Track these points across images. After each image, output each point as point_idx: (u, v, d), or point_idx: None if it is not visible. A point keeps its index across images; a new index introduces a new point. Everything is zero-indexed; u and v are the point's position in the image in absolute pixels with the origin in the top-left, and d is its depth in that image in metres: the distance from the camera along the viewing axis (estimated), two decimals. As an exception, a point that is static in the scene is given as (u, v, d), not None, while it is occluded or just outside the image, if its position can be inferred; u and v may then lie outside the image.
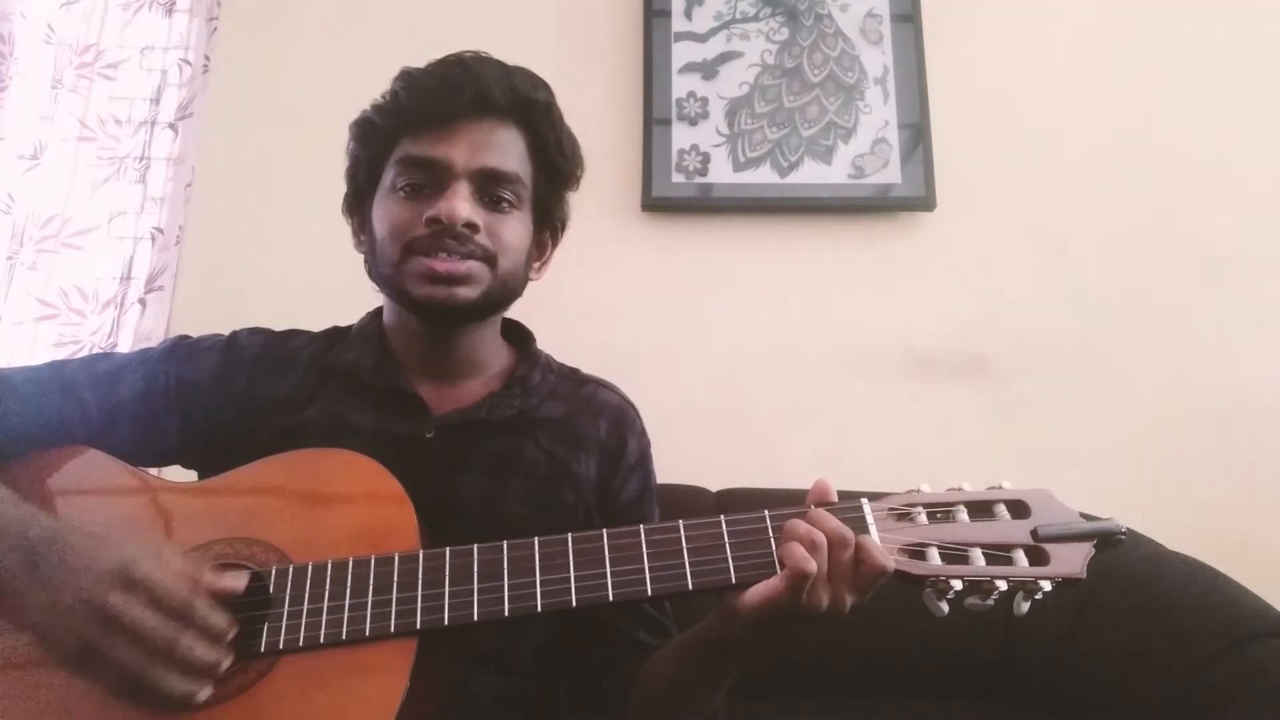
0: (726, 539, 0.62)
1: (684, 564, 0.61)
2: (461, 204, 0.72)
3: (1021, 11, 1.61)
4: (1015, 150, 1.55)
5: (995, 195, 1.54)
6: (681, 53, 1.59)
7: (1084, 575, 0.59)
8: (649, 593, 0.60)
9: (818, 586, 0.57)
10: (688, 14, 1.61)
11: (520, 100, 0.77)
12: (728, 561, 0.61)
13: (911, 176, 1.52)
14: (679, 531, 0.62)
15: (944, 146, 1.53)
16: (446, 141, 0.75)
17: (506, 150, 0.77)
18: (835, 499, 0.63)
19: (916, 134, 1.53)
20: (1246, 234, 1.51)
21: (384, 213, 0.77)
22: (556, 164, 0.81)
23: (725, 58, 1.59)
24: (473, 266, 0.73)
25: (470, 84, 0.75)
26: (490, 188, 0.76)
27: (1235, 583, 1.02)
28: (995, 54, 1.60)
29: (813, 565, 0.57)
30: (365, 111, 0.81)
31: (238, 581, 0.60)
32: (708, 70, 1.59)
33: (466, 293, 0.73)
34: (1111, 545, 0.61)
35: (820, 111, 1.56)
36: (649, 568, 0.61)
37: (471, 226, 0.73)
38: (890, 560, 0.58)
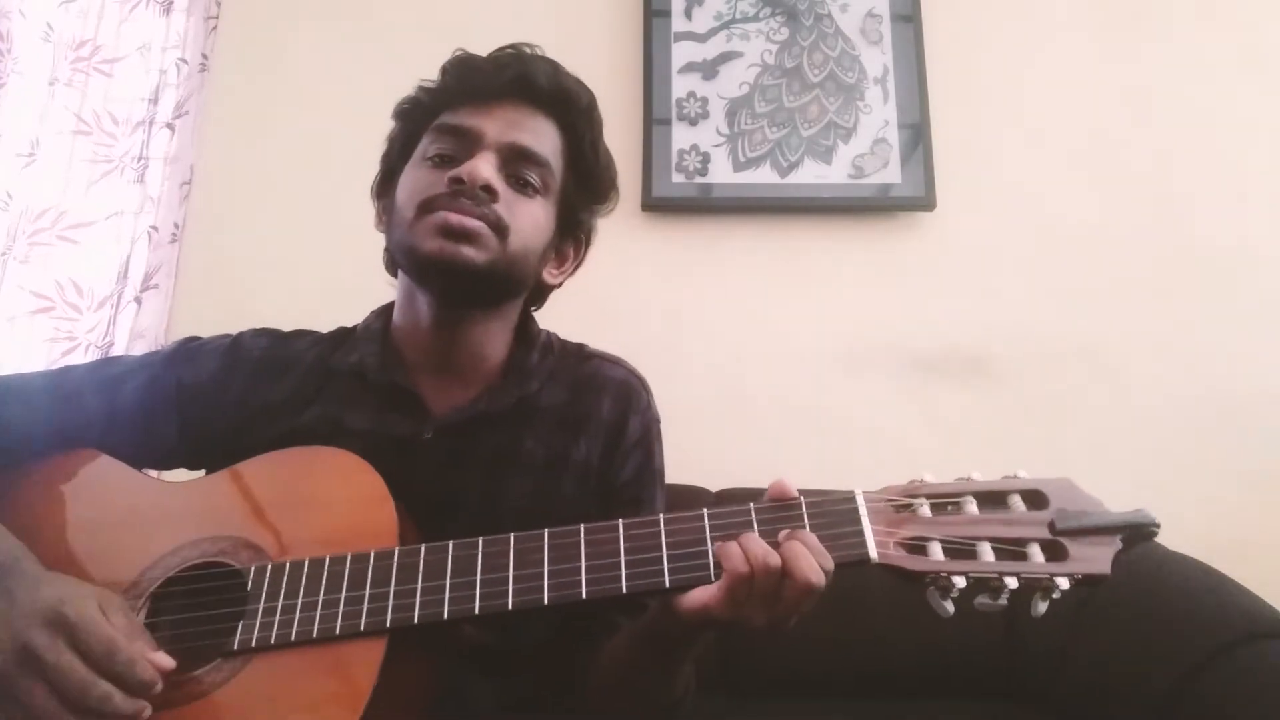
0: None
1: (663, 563, 0.60)
2: (484, 166, 0.72)
3: (1021, 11, 1.61)
4: (1015, 150, 1.56)
5: (995, 195, 1.54)
6: (681, 53, 1.59)
7: (1109, 572, 0.54)
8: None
9: (755, 603, 0.56)
10: (688, 14, 1.61)
11: (562, 92, 0.78)
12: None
13: (911, 176, 1.52)
14: (658, 526, 0.61)
15: (944, 146, 1.53)
16: (482, 115, 0.75)
17: (539, 135, 0.77)
18: (795, 495, 0.60)
19: (916, 134, 1.53)
20: (1246, 233, 1.51)
21: (409, 179, 0.77)
22: (589, 166, 0.81)
23: (725, 58, 1.59)
24: (482, 228, 0.72)
25: (516, 67, 0.76)
26: (517, 166, 0.75)
27: (1235, 583, 1.02)
28: (995, 54, 1.60)
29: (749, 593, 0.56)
30: (412, 92, 0.81)
31: (164, 660, 0.58)
32: (708, 70, 1.59)
33: (472, 253, 0.71)
34: (1142, 539, 0.55)
35: (820, 111, 1.56)
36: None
37: (489, 190, 0.72)
38: (819, 575, 0.55)
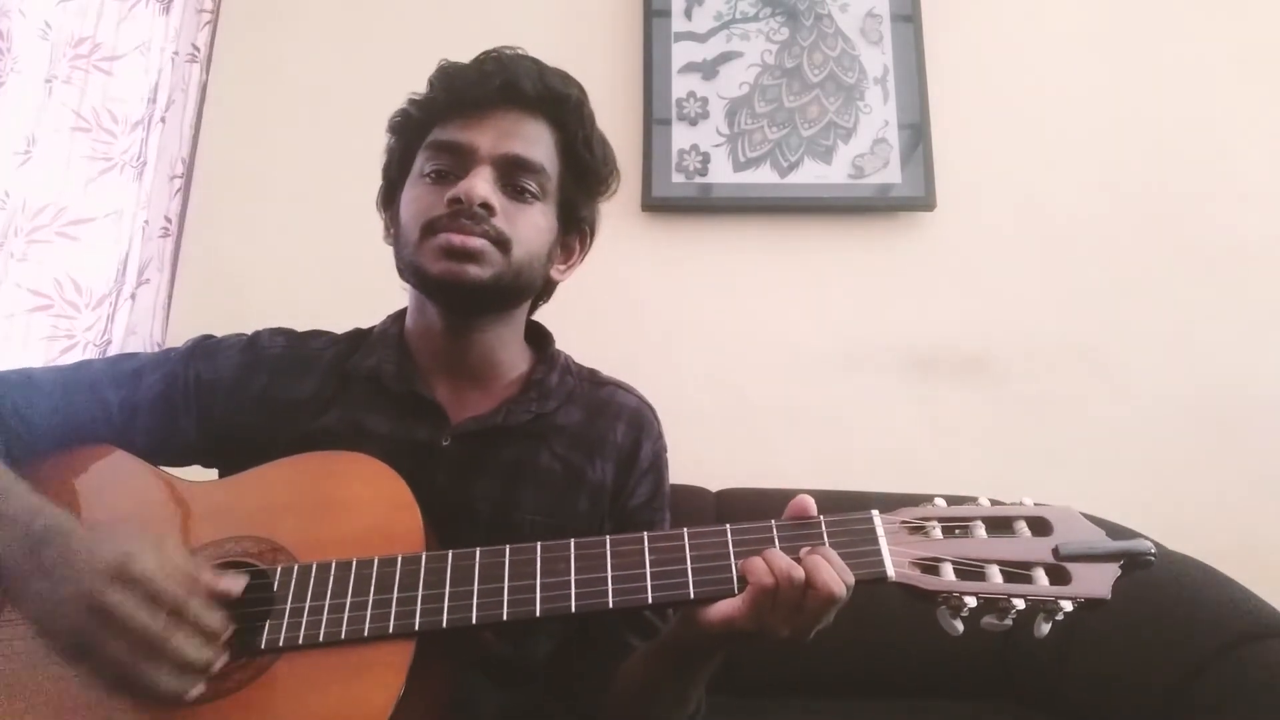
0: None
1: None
2: (480, 184, 0.73)
3: (1021, 11, 1.62)
4: (1015, 150, 1.56)
5: (995, 195, 1.54)
6: (681, 53, 1.59)
7: (1109, 596, 0.57)
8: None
9: (779, 614, 0.58)
10: (688, 14, 1.61)
11: (550, 94, 0.78)
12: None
13: (911, 176, 1.52)
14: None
15: (944, 146, 1.53)
16: (474, 128, 0.76)
17: (533, 141, 0.77)
18: (814, 512, 0.63)
19: (916, 134, 1.53)
20: (1246, 233, 1.51)
21: (410, 198, 0.78)
22: (585, 162, 0.82)
23: (725, 58, 1.59)
24: (485, 245, 0.73)
25: (501, 74, 0.76)
26: (513, 176, 0.76)
27: (1235, 583, 1.02)
28: (995, 54, 1.60)
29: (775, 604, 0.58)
30: (402, 105, 0.82)
31: (236, 583, 0.60)
32: (708, 70, 1.59)
33: (477, 271, 0.73)
34: (1139, 567, 0.59)
35: (820, 111, 1.56)
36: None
37: (488, 208, 0.73)
38: (841, 586, 0.57)
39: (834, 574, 0.58)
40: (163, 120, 1.56)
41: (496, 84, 0.76)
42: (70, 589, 0.56)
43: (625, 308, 1.51)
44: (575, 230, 0.85)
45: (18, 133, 1.46)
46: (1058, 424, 1.45)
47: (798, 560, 0.59)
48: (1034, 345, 1.48)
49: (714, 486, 1.32)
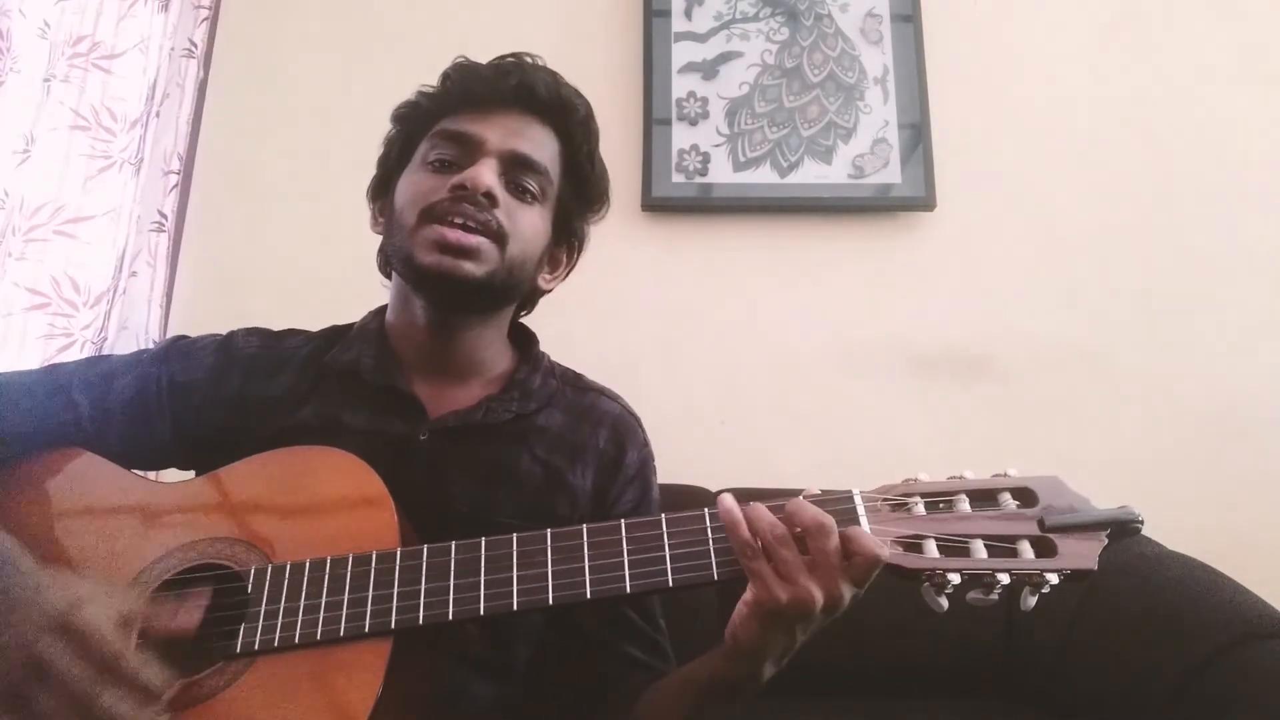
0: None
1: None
2: (486, 173, 0.74)
3: (1021, 11, 1.62)
4: (1015, 150, 1.56)
5: (995, 195, 1.54)
6: (681, 53, 1.59)
7: (1095, 568, 0.55)
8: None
9: (800, 579, 0.55)
10: (688, 14, 1.61)
11: (561, 102, 0.79)
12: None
13: (911, 176, 1.52)
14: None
15: (944, 146, 1.53)
16: (483, 122, 0.77)
17: (539, 143, 0.79)
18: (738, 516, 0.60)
19: (916, 134, 1.53)
20: (1246, 234, 1.51)
21: (409, 183, 0.78)
22: (585, 174, 0.83)
23: (725, 58, 1.59)
24: (482, 243, 0.73)
25: (517, 75, 0.78)
26: (516, 174, 0.77)
27: (1235, 583, 1.02)
28: (995, 54, 1.60)
29: (757, 549, 0.56)
30: (411, 96, 0.83)
31: (191, 617, 0.58)
32: (708, 70, 1.58)
33: (472, 267, 0.73)
34: (1127, 535, 0.57)
35: (820, 111, 1.56)
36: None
37: (491, 198, 0.73)
38: (883, 548, 0.55)
39: (825, 513, 0.56)
40: (157, 115, 1.56)
41: (512, 84, 0.77)
42: (6, 633, 0.54)
43: (625, 308, 1.51)
44: (565, 242, 0.86)
45: (16, 132, 1.46)
46: (1058, 424, 1.45)
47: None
48: (1034, 345, 1.48)
49: (714, 486, 1.32)
